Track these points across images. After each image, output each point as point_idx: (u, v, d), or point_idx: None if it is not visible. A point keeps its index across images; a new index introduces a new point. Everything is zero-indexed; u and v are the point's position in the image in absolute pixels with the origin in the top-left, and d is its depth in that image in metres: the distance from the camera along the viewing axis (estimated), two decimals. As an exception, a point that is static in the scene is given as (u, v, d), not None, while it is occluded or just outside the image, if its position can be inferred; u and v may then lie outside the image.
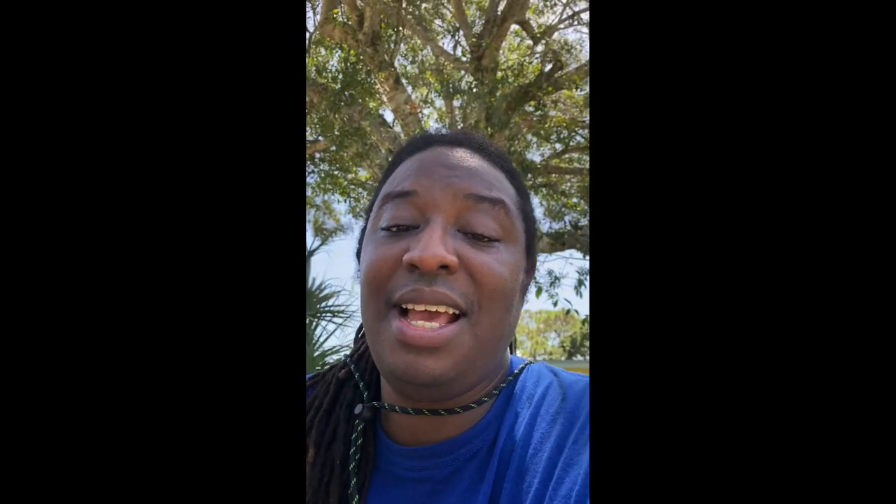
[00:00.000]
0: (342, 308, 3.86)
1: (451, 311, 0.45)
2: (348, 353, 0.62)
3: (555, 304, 5.48)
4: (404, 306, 0.46)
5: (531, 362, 0.57)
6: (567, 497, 0.42)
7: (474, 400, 0.50)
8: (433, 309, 0.45)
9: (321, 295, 3.82)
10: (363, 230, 0.57)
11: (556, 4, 5.73)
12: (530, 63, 5.67)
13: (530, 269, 0.55)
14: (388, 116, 5.50)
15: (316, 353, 3.63)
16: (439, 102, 6.25)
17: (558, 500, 0.43)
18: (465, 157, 0.51)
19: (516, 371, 0.54)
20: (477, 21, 5.59)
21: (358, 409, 0.53)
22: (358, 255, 0.60)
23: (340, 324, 3.83)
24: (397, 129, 5.14)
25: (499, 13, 5.09)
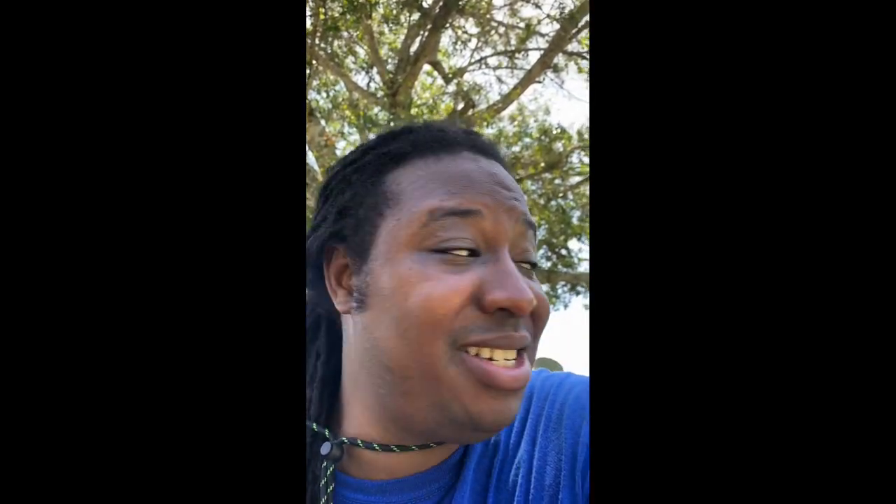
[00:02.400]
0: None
1: None
2: None
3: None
4: (478, 351, 0.40)
5: None
6: (553, 486, 0.43)
7: None
8: (512, 356, 0.41)
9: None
10: (356, 227, 0.45)
11: (464, 49, 6.06)
12: (442, 101, 5.90)
13: None
14: (301, 149, 5.40)
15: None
16: (353, 137, 6.27)
17: (545, 490, 0.43)
18: (502, 171, 0.45)
19: None
20: (390, 60, 5.74)
21: (325, 448, 0.47)
22: (318, 254, 0.47)
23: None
24: (310, 160, 5.06)
25: (412, 53, 5.27)
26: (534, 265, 0.46)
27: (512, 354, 0.41)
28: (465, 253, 0.41)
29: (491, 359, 0.41)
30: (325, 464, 0.46)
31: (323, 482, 0.46)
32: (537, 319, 0.43)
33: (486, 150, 0.47)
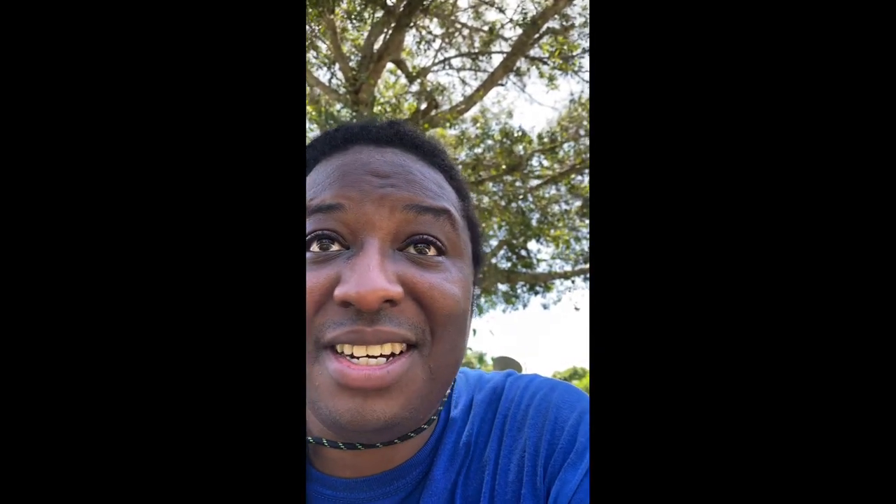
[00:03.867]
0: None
1: (398, 346, 0.39)
2: None
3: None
4: (341, 348, 0.38)
5: None
6: (516, 482, 0.45)
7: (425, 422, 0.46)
8: (377, 352, 0.38)
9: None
10: None
11: (428, 49, 6.06)
12: (406, 100, 5.88)
13: (478, 279, 0.51)
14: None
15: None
16: (315, 133, 6.16)
17: (508, 486, 0.45)
18: (397, 160, 0.43)
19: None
20: (353, 57, 5.67)
21: None
22: None
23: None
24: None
25: (375, 51, 5.23)
26: (441, 251, 0.42)
27: (376, 351, 0.38)
28: (335, 247, 0.40)
29: (352, 355, 0.38)
30: None
31: None
32: (429, 311, 0.40)
33: (384, 139, 0.45)
